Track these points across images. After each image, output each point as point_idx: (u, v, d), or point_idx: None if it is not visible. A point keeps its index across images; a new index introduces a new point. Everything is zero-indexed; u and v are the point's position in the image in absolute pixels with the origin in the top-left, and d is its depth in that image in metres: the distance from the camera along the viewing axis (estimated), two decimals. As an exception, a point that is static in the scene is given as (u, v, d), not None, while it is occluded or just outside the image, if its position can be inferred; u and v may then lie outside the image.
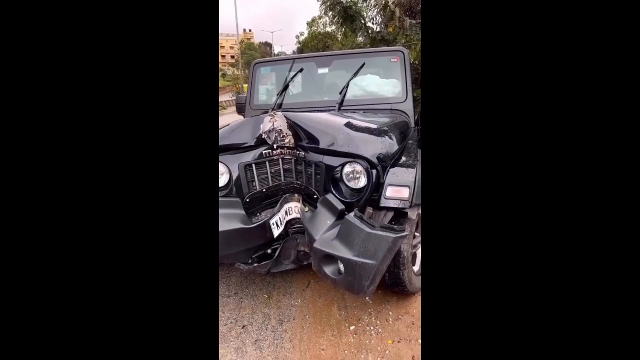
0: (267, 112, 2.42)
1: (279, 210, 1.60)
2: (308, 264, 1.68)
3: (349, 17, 5.96)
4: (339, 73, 2.60)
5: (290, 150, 1.64)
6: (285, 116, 1.62)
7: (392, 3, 5.71)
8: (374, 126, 1.71)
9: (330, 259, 1.33)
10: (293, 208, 1.65)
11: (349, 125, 1.61)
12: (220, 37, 61.04)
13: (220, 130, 1.77)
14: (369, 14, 6.47)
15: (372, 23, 6.53)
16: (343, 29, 7.06)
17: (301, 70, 2.42)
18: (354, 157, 1.49)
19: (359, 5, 6.28)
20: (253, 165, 1.64)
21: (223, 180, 1.66)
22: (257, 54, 49.41)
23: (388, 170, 1.47)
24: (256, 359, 1.37)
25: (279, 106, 2.40)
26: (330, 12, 6.08)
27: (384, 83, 2.43)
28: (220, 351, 1.41)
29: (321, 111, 2.12)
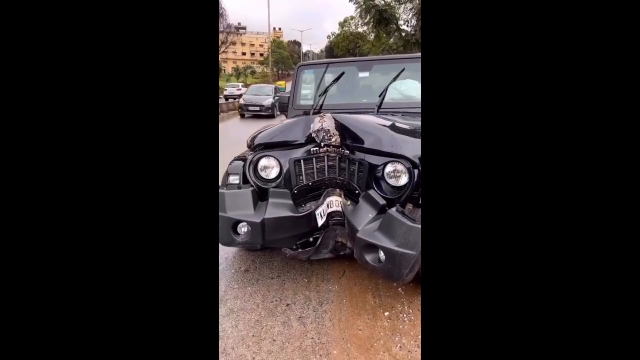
0: (308, 112, 2.59)
1: (322, 203, 1.76)
2: (344, 254, 1.84)
3: (383, 20, 6.05)
4: (378, 77, 2.73)
5: (335, 149, 1.80)
6: (333, 117, 1.78)
7: (428, 6, 5.73)
8: (415, 128, 1.83)
9: (372, 248, 1.48)
10: (334, 201, 1.81)
11: (392, 127, 1.74)
12: (250, 35, 62.16)
13: (273, 128, 1.96)
14: (404, 16, 6.52)
15: (407, 25, 6.57)
16: (376, 31, 7.13)
17: (343, 73, 2.57)
18: (396, 157, 1.62)
19: (394, 8, 6.34)
20: (301, 161, 1.81)
21: (274, 172, 1.85)
22: (285, 52, 50.02)
23: (428, 171, 1.59)
24: (301, 333, 1.54)
25: (320, 107, 2.56)
26: (365, 15, 6.19)
27: (422, 88, 2.53)
28: (269, 323, 1.59)
29: (360, 113, 2.26)
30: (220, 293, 1.82)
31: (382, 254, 1.45)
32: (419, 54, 2.86)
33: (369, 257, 1.49)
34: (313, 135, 1.78)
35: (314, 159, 1.82)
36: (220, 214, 1.73)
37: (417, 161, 1.59)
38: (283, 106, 2.90)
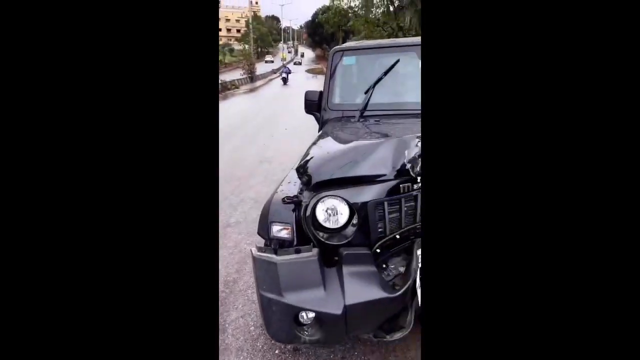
0: (348, 116, 1.99)
1: (417, 264, 1.18)
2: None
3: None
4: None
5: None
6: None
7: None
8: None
9: None
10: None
11: None
12: (225, 10, 58.60)
13: (338, 152, 1.33)
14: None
15: None
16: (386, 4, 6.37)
17: (398, 61, 1.94)
18: None
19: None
20: (385, 204, 1.21)
21: (342, 219, 1.23)
22: (264, 29, 47.52)
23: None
24: None
25: (364, 108, 1.95)
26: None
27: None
28: None
29: (406, 116, 1.79)
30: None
31: None
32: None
33: None
34: (407, 166, 1.18)
35: (402, 200, 1.22)
36: (267, 295, 1.12)
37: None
38: (311, 105, 2.24)
